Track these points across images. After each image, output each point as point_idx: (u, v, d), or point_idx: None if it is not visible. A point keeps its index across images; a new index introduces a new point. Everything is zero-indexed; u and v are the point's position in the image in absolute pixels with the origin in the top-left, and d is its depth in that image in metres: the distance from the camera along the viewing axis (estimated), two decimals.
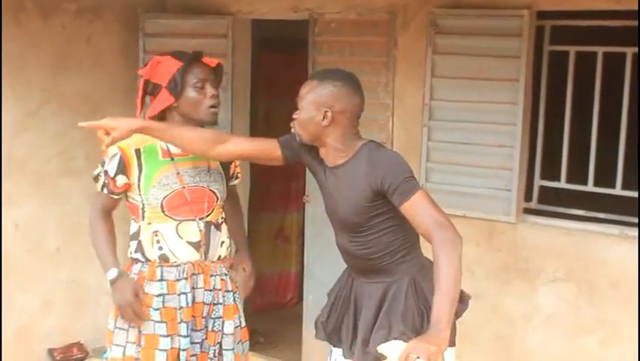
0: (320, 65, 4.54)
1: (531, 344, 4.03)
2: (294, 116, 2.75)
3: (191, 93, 2.99)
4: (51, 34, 4.84)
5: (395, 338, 2.60)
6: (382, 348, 2.50)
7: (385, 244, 2.68)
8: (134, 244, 3.06)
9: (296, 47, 5.29)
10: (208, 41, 4.82)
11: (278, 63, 5.81)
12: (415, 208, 2.53)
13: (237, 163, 3.28)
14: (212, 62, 3.09)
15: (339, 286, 2.91)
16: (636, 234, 3.72)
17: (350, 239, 2.73)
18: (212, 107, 3.02)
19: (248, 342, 3.27)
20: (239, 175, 3.33)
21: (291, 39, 5.31)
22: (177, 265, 3.01)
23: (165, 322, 2.99)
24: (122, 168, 2.99)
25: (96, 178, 3.05)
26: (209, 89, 3.01)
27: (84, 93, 5.02)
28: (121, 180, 3.00)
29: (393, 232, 2.68)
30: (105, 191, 3.03)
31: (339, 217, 2.74)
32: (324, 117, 2.66)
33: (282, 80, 5.87)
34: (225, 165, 3.18)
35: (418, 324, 2.62)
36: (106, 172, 3.00)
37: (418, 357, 2.26)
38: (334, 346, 2.88)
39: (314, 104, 2.67)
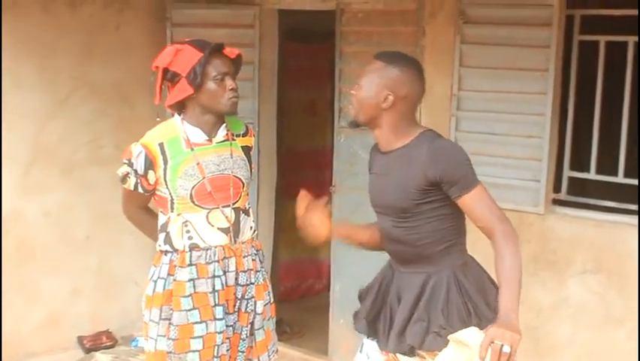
0: (347, 55, 4.54)
1: (559, 335, 4.01)
2: (352, 91, 2.69)
3: (210, 86, 2.98)
4: (80, 23, 4.88)
5: (435, 332, 2.57)
6: (460, 336, 2.45)
7: (431, 232, 2.64)
8: (162, 236, 3.07)
9: (322, 38, 5.28)
10: (235, 31, 4.82)
11: (304, 54, 5.81)
12: (475, 202, 2.55)
13: (252, 153, 3.27)
14: (233, 52, 3.07)
15: (380, 277, 2.86)
16: None
17: (395, 224, 2.69)
18: (233, 98, 3.02)
19: (275, 317, 3.30)
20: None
21: (317, 30, 5.31)
22: (207, 249, 3.03)
23: (197, 308, 2.99)
24: (149, 164, 2.99)
25: (124, 179, 3.04)
26: (229, 82, 3.00)
27: (112, 82, 5.06)
28: (151, 176, 3.01)
29: (441, 221, 2.64)
30: (140, 190, 3.03)
31: (385, 201, 2.70)
32: (384, 100, 2.62)
33: (307, 71, 5.88)
34: (248, 154, 3.20)
35: (465, 319, 2.58)
36: (135, 171, 3.00)
37: (502, 345, 2.25)
38: (372, 338, 2.83)
39: (377, 85, 2.62)
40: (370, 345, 2.84)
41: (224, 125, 3.11)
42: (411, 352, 2.66)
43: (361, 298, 2.91)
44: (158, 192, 3.06)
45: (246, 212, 3.15)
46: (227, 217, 3.06)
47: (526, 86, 3.97)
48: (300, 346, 5.11)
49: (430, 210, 2.62)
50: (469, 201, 2.55)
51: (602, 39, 3.93)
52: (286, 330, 5.24)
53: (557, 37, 3.88)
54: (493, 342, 2.27)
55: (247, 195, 3.18)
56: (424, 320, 2.62)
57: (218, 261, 3.03)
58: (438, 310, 2.60)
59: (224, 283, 3.04)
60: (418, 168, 2.57)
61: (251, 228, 3.18)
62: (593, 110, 4.00)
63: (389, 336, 2.71)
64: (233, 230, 3.08)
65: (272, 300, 3.26)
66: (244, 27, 4.87)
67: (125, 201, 3.19)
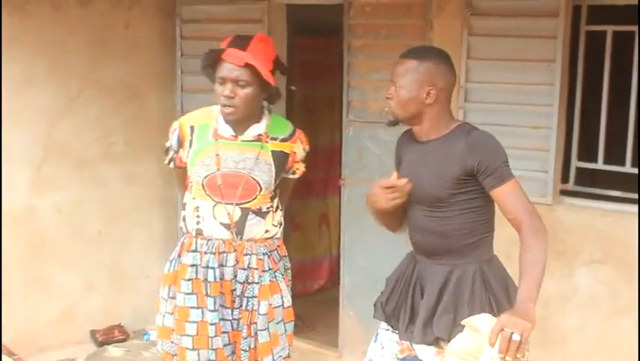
0: (355, 48, 4.56)
1: (568, 325, 4.02)
2: (389, 96, 2.72)
3: (215, 87, 3.03)
4: (90, 21, 4.91)
5: (462, 325, 2.57)
6: (471, 321, 2.47)
7: (462, 223, 2.67)
8: (182, 214, 3.18)
9: (330, 32, 5.29)
10: (244, 27, 4.83)
11: (313, 48, 5.82)
12: (508, 194, 2.58)
13: (297, 159, 3.21)
14: (241, 60, 2.95)
15: (400, 269, 2.86)
16: None
17: (427, 214, 2.71)
18: (225, 106, 3.00)
19: (292, 323, 3.23)
20: (296, 171, 3.24)
21: (325, 24, 5.32)
22: (209, 240, 3.07)
23: (195, 294, 3.05)
24: (180, 143, 3.09)
25: (166, 152, 3.17)
26: (227, 88, 2.97)
27: (122, 79, 5.10)
28: (182, 153, 3.11)
29: (473, 213, 2.67)
30: (172, 165, 3.16)
31: (420, 190, 2.70)
32: (427, 95, 2.66)
33: (317, 65, 5.89)
34: (280, 160, 3.12)
35: (488, 313, 2.58)
36: (171, 146, 3.13)
37: (512, 332, 2.25)
38: (392, 328, 2.83)
39: (416, 82, 2.66)
40: (385, 335, 2.86)
41: (257, 124, 3.09)
42: (436, 343, 2.68)
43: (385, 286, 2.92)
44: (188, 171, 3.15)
45: (261, 214, 3.10)
46: (229, 214, 3.06)
47: (534, 77, 3.98)
48: (312, 339, 5.13)
49: (464, 202, 2.65)
50: (503, 193, 2.58)
51: (609, 29, 3.94)
52: (298, 324, 5.24)
53: (564, 27, 3.88)
54: (503, 329, 2.28)
55: (270, 198, 3.13)
56: (450, 312, 2.64)
57: (215, 253, 3.06)
58: (464, 302, 2.63)
59: (217, 276, 3.05)
60: (455, 158, 2.61)
61: (267, 231, 3.13)
62: (600, 100, 4.01)
63: (413, 327, 2.72)
64: (236, 228, 3.06)
65: (286, 304, 3.19)
66: (253, 22, 4.88)
67: (174, 178, 3.38)
